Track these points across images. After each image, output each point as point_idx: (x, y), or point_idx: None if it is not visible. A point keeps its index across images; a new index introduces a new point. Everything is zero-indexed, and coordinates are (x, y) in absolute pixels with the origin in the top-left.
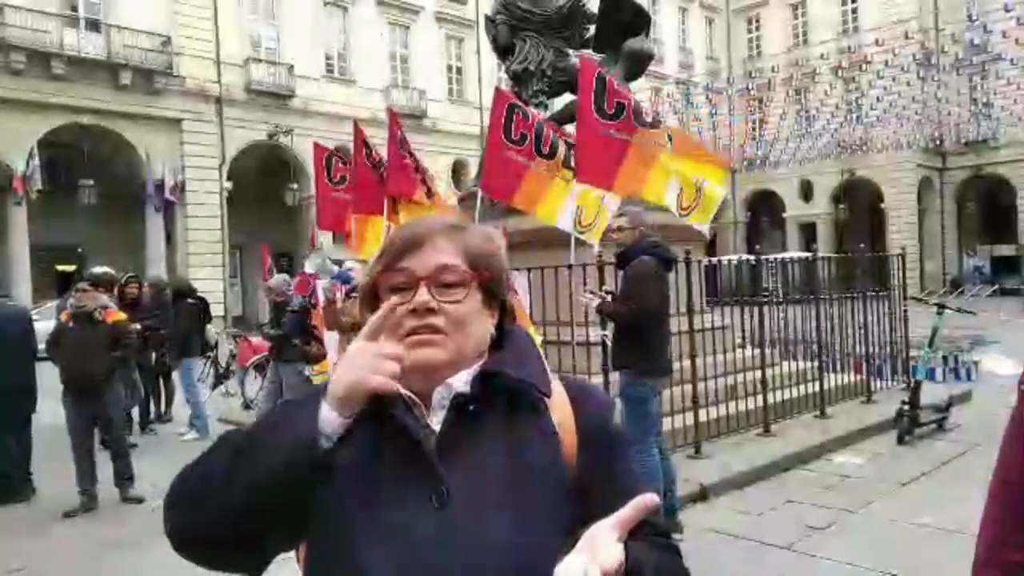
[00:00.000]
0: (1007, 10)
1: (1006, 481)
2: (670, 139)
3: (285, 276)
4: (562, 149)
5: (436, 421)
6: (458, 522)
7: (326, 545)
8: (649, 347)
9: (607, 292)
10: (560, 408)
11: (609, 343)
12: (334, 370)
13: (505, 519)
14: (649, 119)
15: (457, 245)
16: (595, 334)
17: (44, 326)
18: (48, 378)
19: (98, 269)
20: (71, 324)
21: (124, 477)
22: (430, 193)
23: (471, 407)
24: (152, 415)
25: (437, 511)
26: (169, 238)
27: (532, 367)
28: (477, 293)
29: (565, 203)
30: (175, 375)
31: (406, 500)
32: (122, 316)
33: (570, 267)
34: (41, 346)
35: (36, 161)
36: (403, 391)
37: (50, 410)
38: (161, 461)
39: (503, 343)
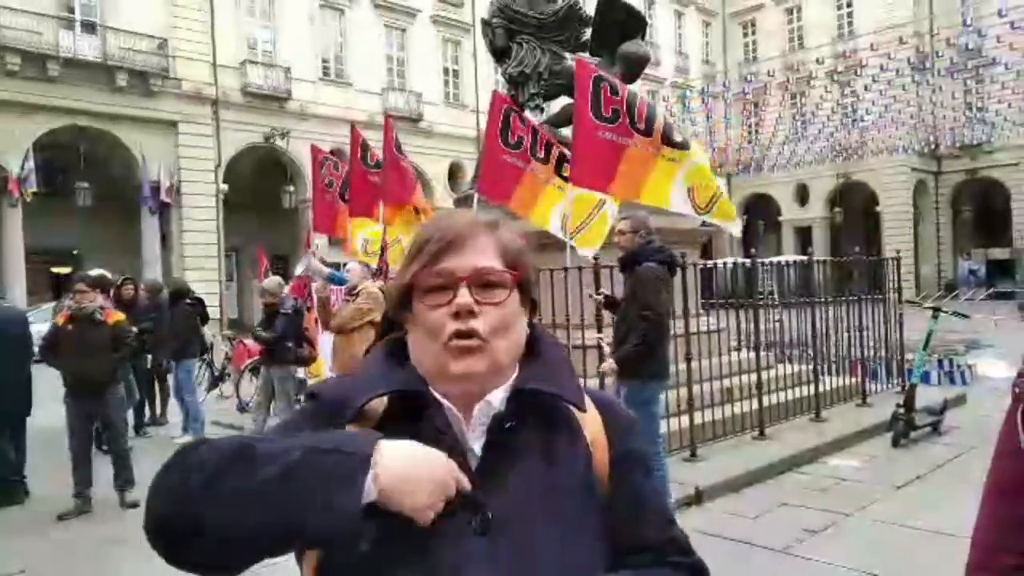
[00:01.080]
0: (1001, 15)
1: (1000, 485)
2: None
3: (279, 279)
4: (555, 154)
5: (474, 439)
6: (499, 548)
7: (347, 565)
8: (658, 352)
9: (603, 294)
10: (592, 423)
11: (606, 347)
12: (333, 368)
13: (546, 543)
14: (679, 138)
15: (495, 243)
16: (591, 337)
17: (39, 328)
18: (42, 380)
19: (94, 271)
20: (70, 326)
21: (124, 480)
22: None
23: (507, 424)
24: (147, 418)
25: (477, 537)
26: (165, 240)
27: (567, 380)
28: (516, 294)
29: (556, 208)
30: (170, 377)
31: (444, 525)
32: (121, 316)
33: (566, 270)
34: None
35: (31, 163)
36: (446, 403)
37: (44, 412)
38: (156, 464)
39: (534, 350)
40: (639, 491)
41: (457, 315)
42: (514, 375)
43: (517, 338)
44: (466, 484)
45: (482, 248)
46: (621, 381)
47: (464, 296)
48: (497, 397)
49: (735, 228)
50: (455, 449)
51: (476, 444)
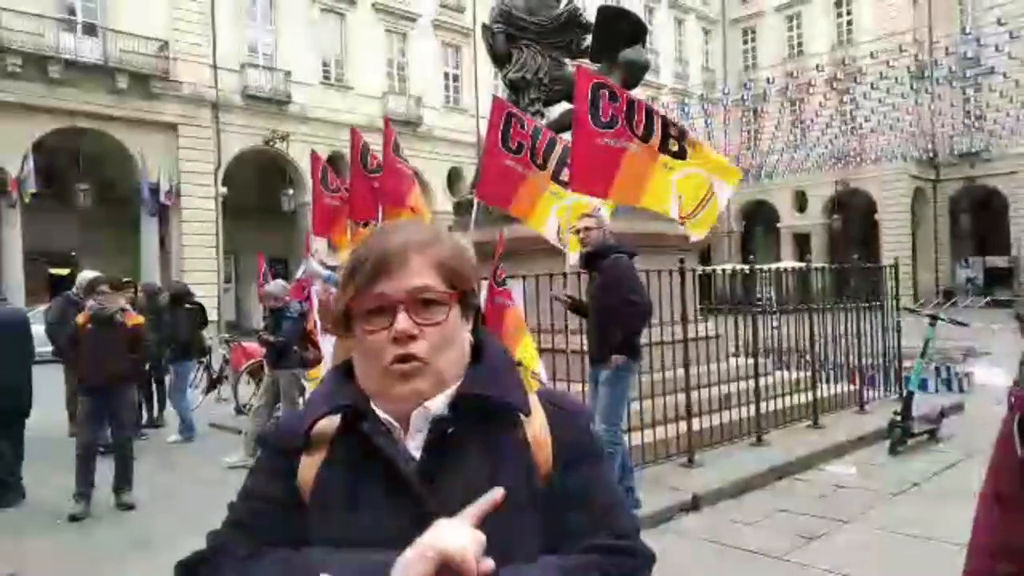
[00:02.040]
0: (1000, 24)
1: (996, 493)
2: (678, 146)
3: (283, 282)
4: (553, 161)
5: (414, 446)
6: None
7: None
8: (634, 334)
9: (568, 296)
10: (536, 421)
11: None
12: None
13: (488, 546)
14: (675, 148)
15: (431, 261)
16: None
17: (35, 330)
18: (41, 381)
19: (88, 273)
20: (89, 325)
21: (123, 480)
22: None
23: (449, 429)
24: (144, 420)
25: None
26: (163, 243)
27: (510, 384)
28: (456, 308)
29: (551, 213)
30: (167, 380)
31: (388, 529)
32: (140, 319)
33: (565, 275)
34: (41, 348)
35: (31, 164)
36: (381, 414)
37: (43, 414)
38: (154, 466)
39: (479, 356)
40: (588, 488)
41: (396, 339)
42: (458, 381)
43: (460, 351)
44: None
45: (417, 268)
46: (605, 358)
47: (403, 322)
48: (437, 403)
49: (696, 236)
50: (390, 457)
51: (417, 451)
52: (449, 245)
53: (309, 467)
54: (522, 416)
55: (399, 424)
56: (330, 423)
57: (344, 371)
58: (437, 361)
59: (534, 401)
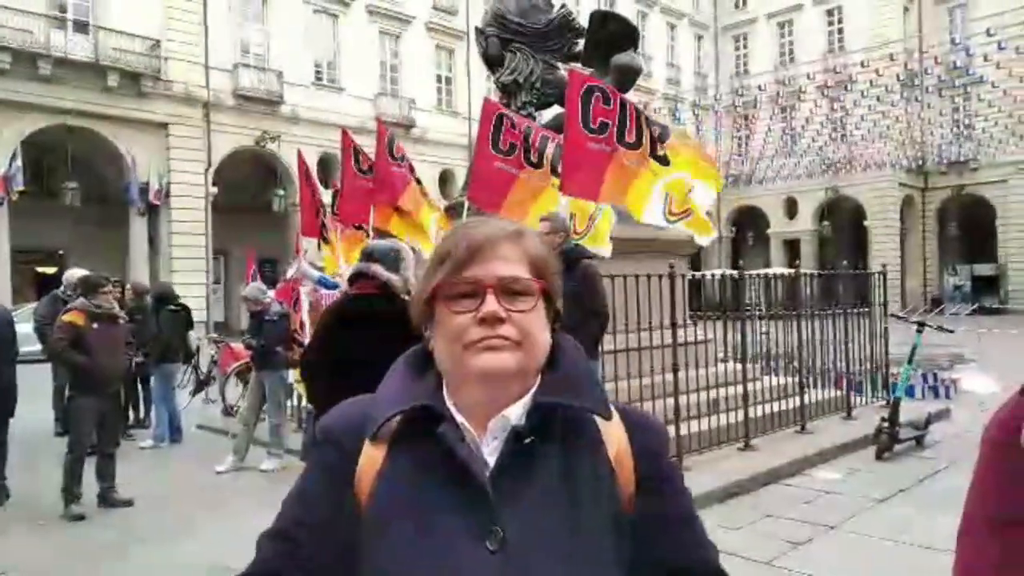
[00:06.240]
0: (989, 34)
1: (1004, 513)
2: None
3: (260, 284)
4: (549, 152)
5: (488, 453)
6: (513, 568)
7: None
8: (594, 339)
9: None
10: (617, 439)
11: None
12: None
13: (562, 567)
14: (662, 152)
15: (520, 252)
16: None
17: (23, 328)
18: (24, 381)
19: (77, 271)
20: (95, 324)
21: (111, 478)
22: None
23: (527, 440)
24: (131, 420)
25: (491, 555)
26: (152, 242)
27: (591, 390)
28: (542, 302)
29: (558, 209)
30: (153, 380)
31: (457, 541)
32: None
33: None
34: (27, 348)
35: (19, 162)
36: (458, 417)
37: (25, 413)
38: (141, 467)
39: (557, 360)
40: (666, 511)
41: (483, 322)
42: (533, 388)
43: (542, 347)
44: None
45: (507, 256)
46: None
47: (491, 304)
48: (515, 412)
49: (704, 240)
50: (466, 463)
51: (491, 458)
52: (535, 240)
53: (368, 472)
54: (604, 433)
55: (475, 430)
56: (392, 422)
57: (415, 363)
58: (523, 346)
59: (617, 419)
